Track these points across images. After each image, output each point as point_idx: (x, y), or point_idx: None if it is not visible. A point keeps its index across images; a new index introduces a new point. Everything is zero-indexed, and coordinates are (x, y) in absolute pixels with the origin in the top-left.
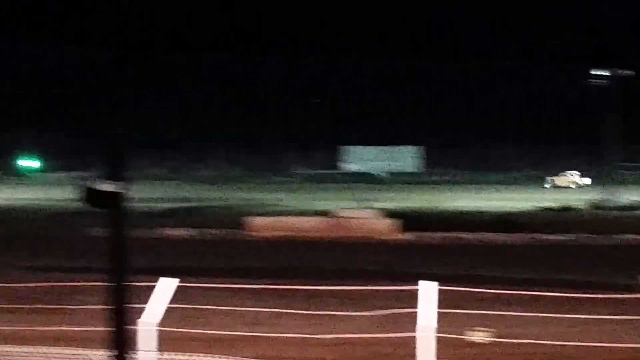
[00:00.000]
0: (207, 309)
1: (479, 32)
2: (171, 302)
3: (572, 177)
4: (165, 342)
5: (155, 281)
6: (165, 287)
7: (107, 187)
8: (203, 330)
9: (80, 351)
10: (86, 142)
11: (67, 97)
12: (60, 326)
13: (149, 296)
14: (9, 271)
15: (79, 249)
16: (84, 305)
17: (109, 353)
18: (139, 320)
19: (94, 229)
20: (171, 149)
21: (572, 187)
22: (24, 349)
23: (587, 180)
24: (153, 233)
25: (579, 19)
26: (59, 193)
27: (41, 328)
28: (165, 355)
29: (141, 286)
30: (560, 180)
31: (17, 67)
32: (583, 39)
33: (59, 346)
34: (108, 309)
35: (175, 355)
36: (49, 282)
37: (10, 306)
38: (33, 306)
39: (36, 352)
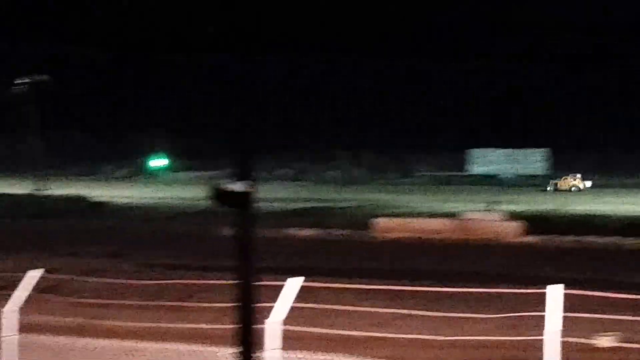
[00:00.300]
0: (332, 309)
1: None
2: (297, 301)
3: (574, 181)
4: (291, 341)
5: (282, 281)
6: (292, 287)
7: (236, 187)
8: (328, 330)
9: (208, 348)
10: (214, 142)
11: (195, 98)
12: (189, 323)
13: (275, 295)
14: (139, 269)
15: (207, 248)
16: (211, 303)
17: (235, 350)
18: (266, 319)
19: (221, 228)
20: (297, 149)
21: (573, 190)
22: (157, 345)
23: (588, 183)
24: (279, 233)
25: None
26: (187, 192)
27: (171, 325)
28: (291, 354)
29: (268, 285)
30: (563, 183)
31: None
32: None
33: (188, 343)
34: (235, 307)
35: (301, 354)
36: (178, 280)
37: (140, 303)
38: (163, 303)
39: (168, 348)
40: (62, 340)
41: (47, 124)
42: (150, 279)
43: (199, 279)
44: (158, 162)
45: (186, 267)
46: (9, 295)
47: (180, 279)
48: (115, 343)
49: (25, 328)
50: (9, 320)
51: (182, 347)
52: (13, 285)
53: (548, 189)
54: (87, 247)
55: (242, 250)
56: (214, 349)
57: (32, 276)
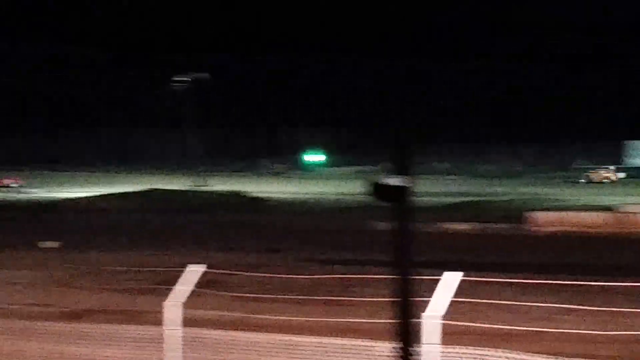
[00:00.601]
0: (489, 303)
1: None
2: (454, 295)
3: (607, 173)
4: (448, 335)
5: (438, 275)
6: (449, 281)
7: (394, 181)
8: (487, 324)
9: (365, 342)
10: (370, 137)
11: (352, 93)
12: (346, 318)
13: (432, 290)
14: (297, 264)
15: (363, 242)
16: (367, 297)
17: (393, 345)
18: (423, 313)
19: (377, 222)
20: (453, 143)
21: (604, 182)
22: (314, 339)
23: (621, 175)
24: (435, 227)
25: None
26: (344, 187)
27: (328, 319)
28: (449, 348)
29: (424, 279)
30: (595, 175)
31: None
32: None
33: (344, 337)
34: (393, 301)
35: (459, 348)
36: (334, 274)
37: (298, 297)
38: (319, 298)
39: (325, 342)
40: (222, 334)
41: (206, 121)
42: (307, 274)
43: (355, 274)
44: (314, 157)
45: (343, 261)
46: (169, 290)
47: (336, 274)
48: (274, 337)
49: (186, 322)
50: (171, 314)
51: (339, 341)
52: (174, 279)
53: (581, 180)
54: (246, 242)
55: (400, 244)
56: (371, 343)
57: (193, 271)
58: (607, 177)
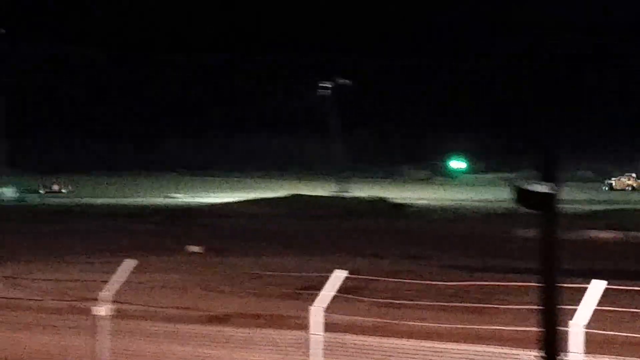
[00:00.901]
0: (634, 312)
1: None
2: (600, 304)
3: (629, 180)
4: (594, 344)
5: (583, 283)
6: (596, 289)
7: (540, 188)
8: (631, 334)
9: (509, 350)
10: (513, 144)
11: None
12: (489, 325)
13: (574, 298)
14: (439, 270)
15: (506, 248)
16: (511, 305)
17: (538, 354)
18: (569, 321)
19: (521, 229)
20: (595, 150)
21: (627, 189)
22: (457, 346)
23: None
24: (578, 235)
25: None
26: (487, 194)
27: (470, 326)
28: (595, 357)
29: (570, 288)
30: (619, 182)
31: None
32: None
33: (487, 345)
34: (539, 309)
35: (604, 358)
36: (477, 281)
37: (440, 304)
38: (462, 305)
39: (468, 350)
40: (365, 340)
41: (348, 127)
42: (450, 281)
43: (498, 281)
44: (458, 163)
45: (485, 268)
46: (312, 295)
47: (479, 281)
48: (418, 344)
49: (330, 327)
50: (316, 319)
51: (484, 348)
52: (317, 285)
53: (603, 188)
54: (389, 249)
55: (546, 252)
56: (515, 351)
57: (337, 277)
58: (629, 185)
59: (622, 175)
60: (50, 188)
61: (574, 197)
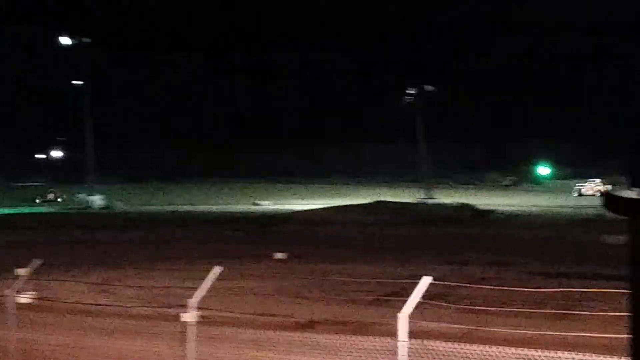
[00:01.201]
0: None
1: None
2: None
3: (597, 186)
4: None
5: None
6: None
7: (630, 193)
8: None
9: (594, 357)
10: (600, 149)
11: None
12: (574, 332)
13: None
14: (524, 277)
15: (593, 255)
16: (597, 311)
17: None
18: None
19: (608, 236)
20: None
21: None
22: (546, 353)
23: (610, 187)
24: None
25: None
26: (573, 200)
27: (555, 333)
28: None
29: None
30: (588, 188)
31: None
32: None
33: (572, 352)
34: (628, 316)
35: None
36: (563, 287)
37: (525, 310)
38: (547, 311)
39: (558, 356)
40: (450, 347)
41: (433, 133)
42: (536, 287)
43: (584, 287)
44: (543, 169)
45: (570, 275)
46: (398, 301)
47: (564, 287)
48: (506, 351)
49: (417, 334)
50: (404, 326)
51: (572, 355)
52: (402, 291)
53: (573, 194)
54: (473, 255)
55: (635, 258)
56: (603, 358)
57: (424, 283)
58: (599, 190)
59: (588, 181)
60: (46, 197)
61: None
